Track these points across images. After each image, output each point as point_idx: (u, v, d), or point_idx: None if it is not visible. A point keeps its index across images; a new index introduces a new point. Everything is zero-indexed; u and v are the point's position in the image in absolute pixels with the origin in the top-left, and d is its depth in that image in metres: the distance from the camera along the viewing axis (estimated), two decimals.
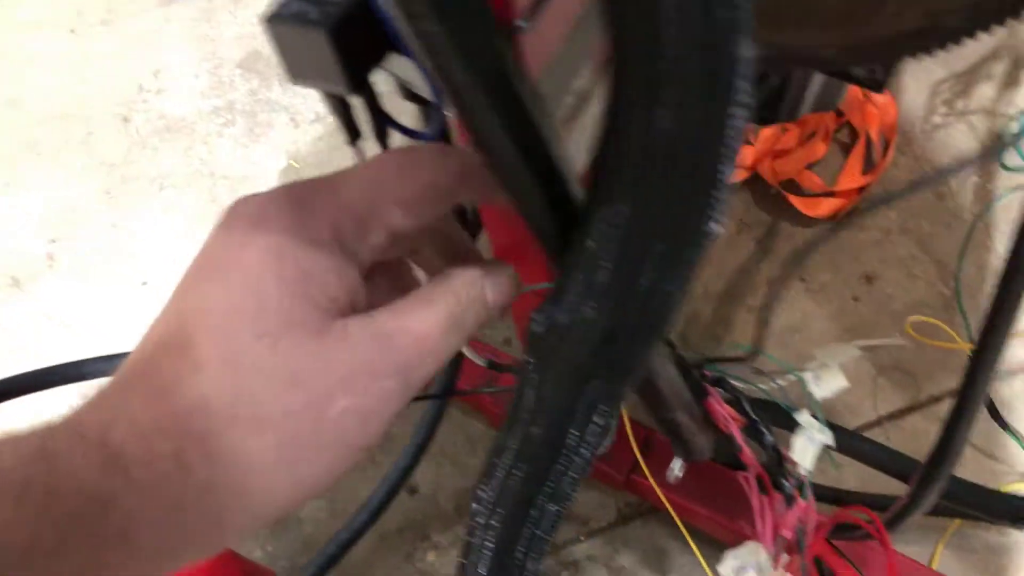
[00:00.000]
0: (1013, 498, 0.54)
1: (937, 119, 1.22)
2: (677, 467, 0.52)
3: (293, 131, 1.33)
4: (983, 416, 0.98)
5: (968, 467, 0.99)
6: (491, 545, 0.36)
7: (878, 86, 0.47)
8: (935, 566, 0.95)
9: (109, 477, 0.23)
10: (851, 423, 1.03)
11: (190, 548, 0.26)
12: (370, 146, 0.38)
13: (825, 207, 1.14)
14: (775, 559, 0.53)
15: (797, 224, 1.16)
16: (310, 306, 0.27)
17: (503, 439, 0.34)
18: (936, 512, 0.93)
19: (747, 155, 1.17)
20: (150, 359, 0.27)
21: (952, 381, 1.04)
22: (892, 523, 0.60)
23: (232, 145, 1.34)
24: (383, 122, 0.35)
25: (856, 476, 1.00)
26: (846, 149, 1.20)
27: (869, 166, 1.19)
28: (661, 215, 0.25)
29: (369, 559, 1.00)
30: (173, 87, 1.40)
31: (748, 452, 0.48)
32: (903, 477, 0.59)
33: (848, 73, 0.47)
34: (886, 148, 1.18)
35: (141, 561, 0.24)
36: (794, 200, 1.15)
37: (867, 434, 1.02)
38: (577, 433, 0.34)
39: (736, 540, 0.59)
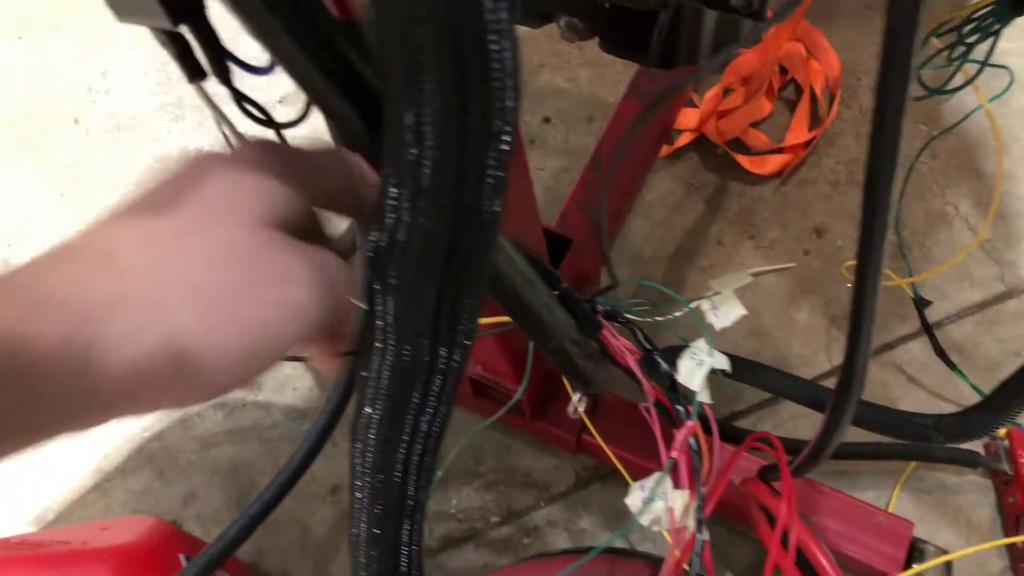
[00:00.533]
0: (917, 416, 0.54)
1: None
2: (576, 400, 0.52)
3: (242, 123, 1.33)
4: (934, 359, 0.99)
5: (921, 409, 0.99)
6: (369, 478, 0.36)
7: (757, 16, 0.47)
8: (891, 508, 0.95)
9: (34, 316, 0.23)
10: (805, 374, 1.03)
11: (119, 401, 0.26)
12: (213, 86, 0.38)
13: (772, 164, 1.14)
14: (687, 485, 0.54)
15: (745, 183, 1.16)
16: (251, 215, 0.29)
17: (367, 371, 0.34)
18: (890, 456, 0.94)
19: (692, 117, 1.17)
20: (89, 236, 0.27)
21: (903, 328, 1.04)
22: (816, 454, 0.60)
23: (182, 140, 1.34)
24: (221, 57, 0.35)
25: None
26: (791, 106, 1.20)
27: (815, 122, 1.19)
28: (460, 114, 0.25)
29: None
30: (122, 86, 1.40)
31: (645, 382, 0.48)
32: (815, 405, 0.59)
33: (725, 3, 0.47)
34: (831, 103, 1.18)
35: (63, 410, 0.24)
36: (741, 159, 1.15)
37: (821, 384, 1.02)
38: (446, 351, 0.34)
39: None
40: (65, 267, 0.26)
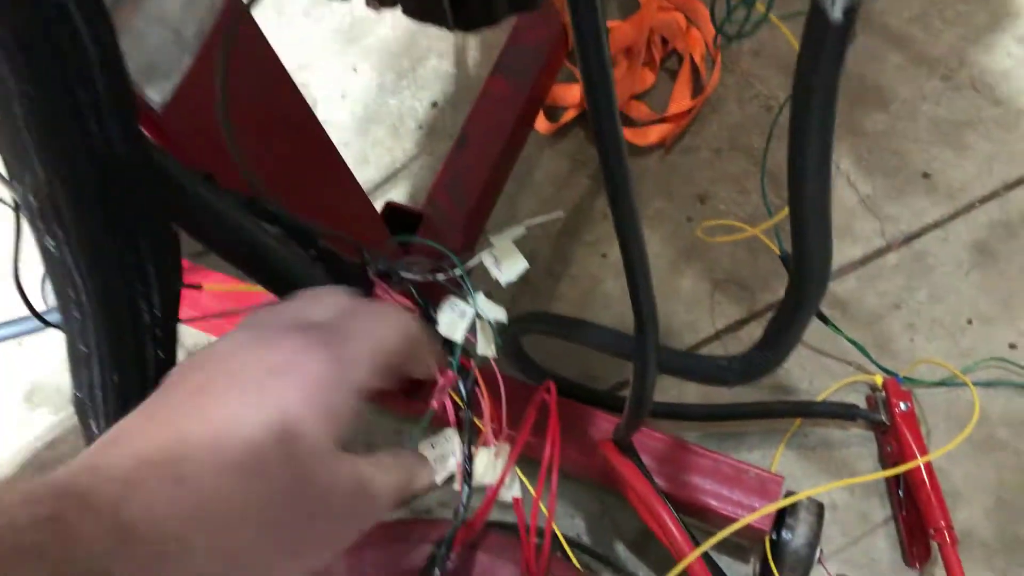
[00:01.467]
0: (717, 359, 0.54)
1: (764, 35, 1.22)
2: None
3: None
4: (814, 321, 0.99)
5: (806, 367, 1.00)
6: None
7: None
8: (775, 467, 0.95)
9: (117, 547, 0.25)
10: (690, 340, 1.04)
11: None
12: None
13: (655, 134, 1.15)
14: (489, 442, 0.53)
15: (630, 155, 1.15)
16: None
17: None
18: (771, 414, 0.94)
19: (575, 92, 1.17)
20: (173, 437, 0.29)
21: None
22: (635, 405, 0.60)
23: None
24: None
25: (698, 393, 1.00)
26: (675, 76, 1.20)
27: (699, 90, 1.19)
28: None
29: None
30: None
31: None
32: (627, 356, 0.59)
33: None
34: (713, 69, 1.19)
35: None
36: (624, 131, 1.15)
37: (705, 348, 1.03)
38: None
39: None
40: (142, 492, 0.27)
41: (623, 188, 0.44)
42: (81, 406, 0.37)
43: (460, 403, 0.48)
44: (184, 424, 0.30)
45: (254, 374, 0.32)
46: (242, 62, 0.49)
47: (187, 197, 0.37)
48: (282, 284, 0.44)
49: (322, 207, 0.63)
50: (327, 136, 0.60)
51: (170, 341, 0.37)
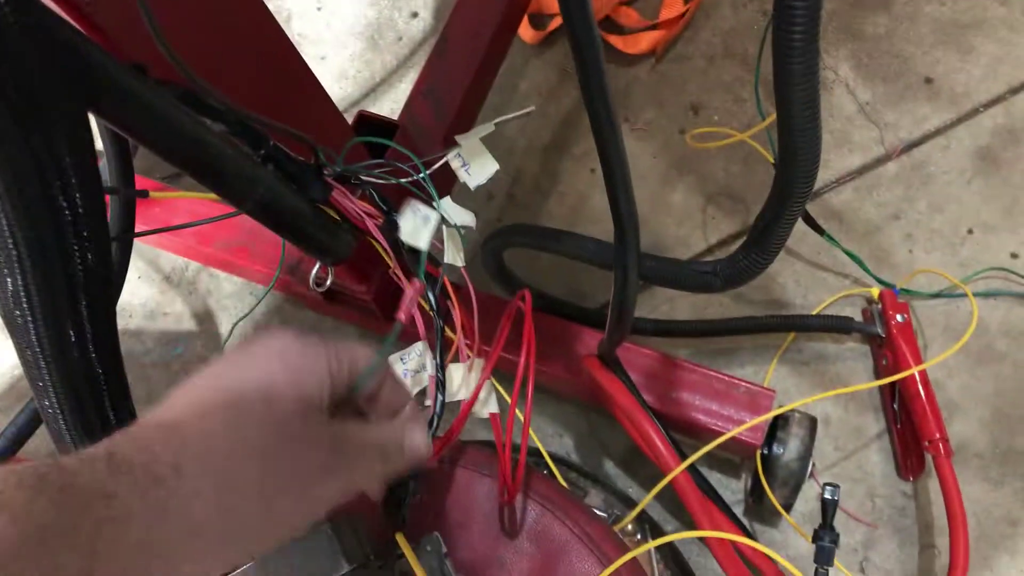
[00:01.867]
0: (700, 264, 0.51)
1: None
2: (315, 270, 0.49)
3: None
4: (809, 232, 0.96)
5: (801, 281, 0.98)
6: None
7: None
8: (768, 383, 0.94)
9: (114, 477, 0.27)
10: (682, 255, 1.01)
11: (178, 550, 0.29)
12: None
13: (646, 42, 1.10)
14: (463, 357, 0.51)
15: (620, 64, 1.11)
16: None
17: None
18: (765, 328, 0.92)
19: None
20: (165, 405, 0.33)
21: None
22: (618, 312, 0.57)
23: None
24: None
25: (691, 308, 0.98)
26: None
27: None
28: None
29: None
30: None
31: (386, 245, 0.45)
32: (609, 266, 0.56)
33: None
34: None
35: (130, 554, 0.27)
36: (614, 39, 1.10)
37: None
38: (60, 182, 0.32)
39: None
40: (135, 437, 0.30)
41: (598, 82, 0.40)
42: (8, 312, 0.34)
43: (430, 312, 0.45)
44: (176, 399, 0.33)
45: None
46: None
47: (112, 86, 0.33)
48: (227, 185, 0.40)
49: (282, 112, 0.59)
50: (286, 37, 0.55)
51: (100, 245, 0.34)
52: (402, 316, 0.41)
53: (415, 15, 1.18)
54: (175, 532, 0.29)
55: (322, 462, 0.35)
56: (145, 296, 1.07)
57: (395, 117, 0.88)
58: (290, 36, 0.56)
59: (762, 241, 0.44)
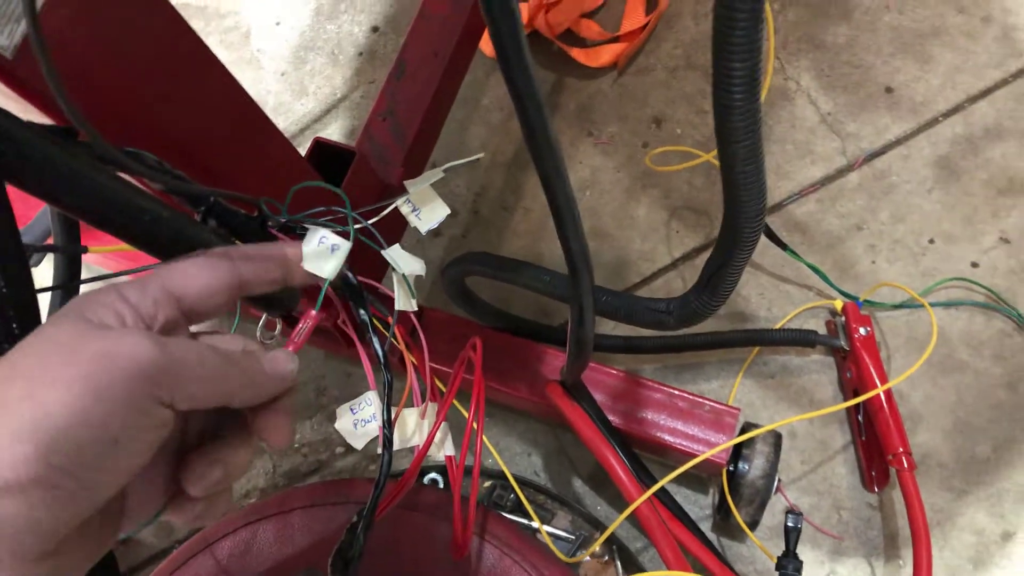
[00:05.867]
0: (654, 302, 0.51)
1: None
2: (262, 323, 0.48)
3: None
4: (772, 246, 0.96)
5: (764, 294, 0.98)
6: None
7: None
8: (733, 397, 0.94)
9: None
10: (647, 270, 1.01)
11: None
12: None
13: (608, 55, 1.09)
14: (416, 402, 0.50)
15: (582, 77, 1.11)
16: None
17: None
18: (729, 344, 0.92)
19: (522, 11, 1.11)
20: None
21: None
22: (577, 347, 0.57)
23: None
24: None
25: None
26: None
27: (653, 6, 1.13)
28: None
29: None
30: None
31: (331, 292, 0.44)
32: (566, 299, 0.56)
33: None
34: None
35: None
36: (575, 53, 1.10)
37: (662, 279, 1.00)
38: None
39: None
40: None
41: (541, 128, 0.40)
42: None
43: (379, 363, 0.45)
44: None
45: None
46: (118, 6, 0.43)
47: (27, 157, 0.32)
48: (163, 248, 0.39)
49: (235, 154, 0.58)
50: (229, 75, 0.54)
51: (26, 311, 0.33)
52: (291, 348, 0.40)
53: (375, 29, 1.17)
54: None
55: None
56: None
57: (358, 133, 0.87)
58: (249, 52, 0.55)
59: (713, 285, 0.44)
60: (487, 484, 0.88)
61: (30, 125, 0.33)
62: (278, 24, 1.18)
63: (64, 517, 0.28)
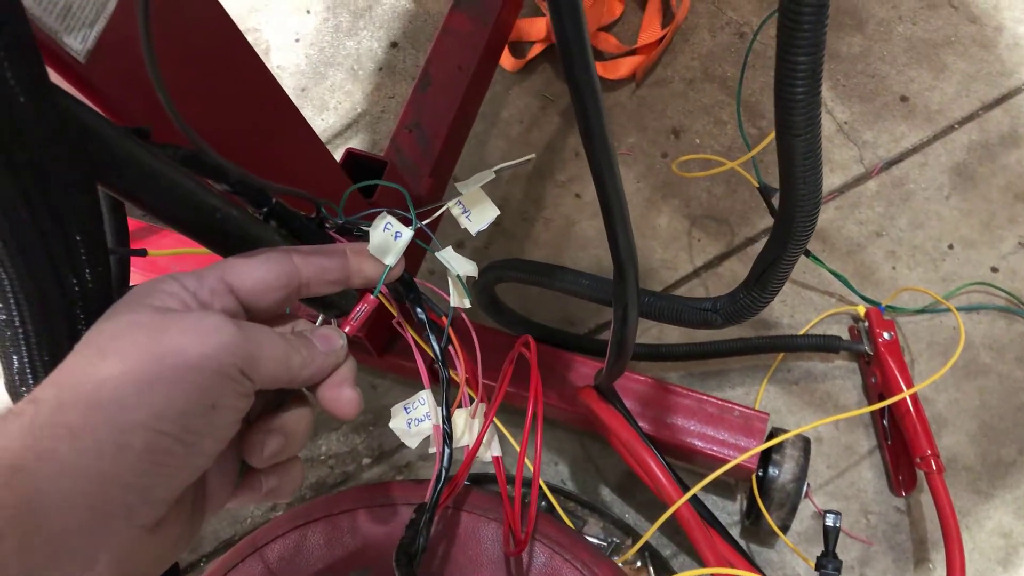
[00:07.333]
0: (699, 301, 0.51)
1: None
2: (317, 324, 0.48)
3: None
4: None
5: (787, 301, 0.98)
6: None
7: None
8: (759, 403, 0.94)
9: (30, 447, 0.26)
10: (669, 279, 1.01)
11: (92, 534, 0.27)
12: None
13: (625, 67, 1.11)
14: (465, 403, 0.51)
15: (601, 89, 1.12)
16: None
17: None
18: (753, 350, 0.93)
19: (540, 26, 1.13)
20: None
21: (766, 221, 1.02)
22: (618, 349, 0.58)
23: None
24: None
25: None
26: (643, 5, 1.16)
27: (669, 18, 1.15)
28: None
29: None
30: None
31: (385, 290, 0.45)
32: (606, 301, 0.56)
33: None
34: None
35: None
36: None
37: (684, 287, 1.01)
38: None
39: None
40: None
41: (598, 127, 0.41)
42: (13, 390, 0.33)
43: (435, 360, 0.45)
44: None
45: None
46: (174, 5, 0.44)
47: (113, 156, 0.33)
48: (230, 246, 0.40)
49: (276, 160, 0.59)
50: (277, 83, 0.55)
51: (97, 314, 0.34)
52: (347, 329, 0.41)
53: (394, 44, 1.18)
54: None
55: None
56: None
57: (380, 147, 0.89)
58: (270, 69, 0.56)
59: (764, 280, 0.45)
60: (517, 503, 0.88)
61: (116, 126, 0.34)
62: (297, 40, 1.20)
63: (173, 484, 0.29)
